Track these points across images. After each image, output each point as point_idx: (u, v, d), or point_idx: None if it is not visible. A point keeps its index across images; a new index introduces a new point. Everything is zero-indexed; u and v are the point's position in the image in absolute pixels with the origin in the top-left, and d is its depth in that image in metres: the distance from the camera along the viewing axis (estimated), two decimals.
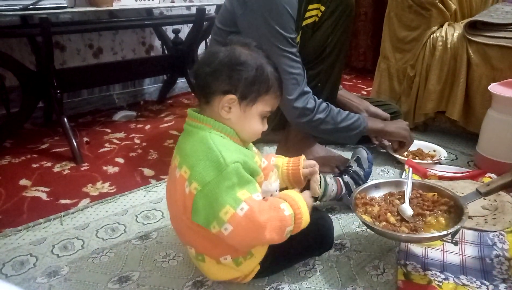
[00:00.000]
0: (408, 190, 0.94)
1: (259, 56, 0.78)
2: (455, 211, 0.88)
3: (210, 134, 0.75)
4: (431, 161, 1.39)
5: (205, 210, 0.72)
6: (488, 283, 0.84)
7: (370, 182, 1.01)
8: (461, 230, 1.01)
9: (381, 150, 1.52)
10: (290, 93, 1.14)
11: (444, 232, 0.81)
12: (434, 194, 0.94)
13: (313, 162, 0.93)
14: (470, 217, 1.06)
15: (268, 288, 0.85)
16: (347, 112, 1.25)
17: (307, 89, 1.17)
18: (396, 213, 0.90)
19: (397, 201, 0.93)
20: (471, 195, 0.89)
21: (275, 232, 0.72)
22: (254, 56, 0.77)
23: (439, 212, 0.89)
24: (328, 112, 1.20)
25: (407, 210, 0.89)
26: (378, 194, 0.98)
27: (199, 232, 0.78)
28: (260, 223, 0.70)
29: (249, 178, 0.73)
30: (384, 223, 0.87)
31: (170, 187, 0.84)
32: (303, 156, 0.94)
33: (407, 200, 0.92)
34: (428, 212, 0.89)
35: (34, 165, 1.48)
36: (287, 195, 0.78)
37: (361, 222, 1.07)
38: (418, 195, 0.95)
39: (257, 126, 0.80)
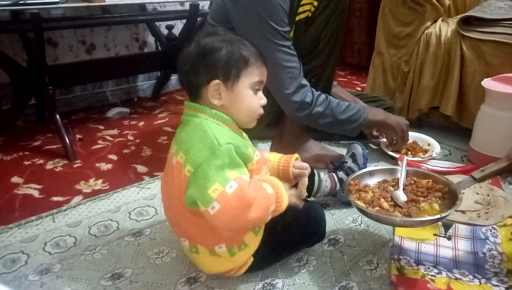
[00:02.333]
0: (402, 176, 0.94)
1: (226, 37, 0.79)
2: (450, 197, 0.88)
3: (206, 121, 0.77)
4: (424, 158, 1.39)
5: (194, 189, 0.72)
6: (480, 277, 0.85)
7: (364, 169, 1.01)
8: (454, 224, 1.01)
9: (374, 147, 1.53)
10: (287, 87, 1.13)
11: (438, 216, 0.81)
12: (429, 181, 0.94)
13: (305, 164, 0.92)
14: (463, 212, 1.07)
15: (262, 283, 0.85)
16: (347, 103, 1.23)
17: (305, 82, 1.16)
18: (389, 199, 0.90)
19: (391, 188, 0.93)
20: (465, 181, 0.89)
21: (260, 210, 0.73)
22: (220, 39, 0.78)
23: (433, 198, 0.89)
24: (326, 105, 1.18)
25: (401, 196, 0.89)
26: (372, 181, 0.97)
27: (193, 220, 0.78)
28: (249, 200, 0.71)
29: (239, 162, 0.74)
30: (377, 208, 0.87)
31: (166, 177, 0.84)
32: (296, 155, 0.93)
33: (401, 186, 0.92)
34: (422, 198, 0.88)
35: (26, 162, 1.47)
36: (265, 178, 0.82)
37: (355, 211, 1.08)
38: (412, 181, 0.94)
39: (252, 100, 0.80)
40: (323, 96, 1.19)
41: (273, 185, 0.78)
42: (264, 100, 0.83)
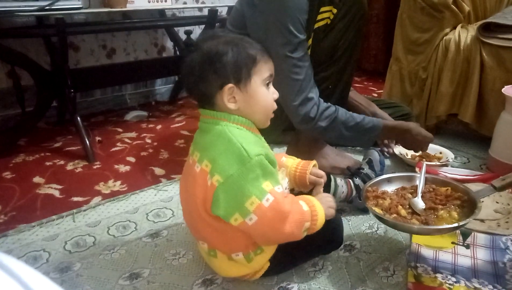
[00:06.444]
0: (421, 184, 0.93)
1: (227, 38, 0.78)
2: (469, 205, 0.87)
3: (227, 127, 0.76)
4: (441, 163, 1.38)
5: (227, 202, 0.73)
6: (500, 287, 0.83)
7: (383, 176, 1.01)
8: (473, 233, 1.00)
9: (387, 154, 1.51)
10: (293, 99, 1.12)
11: (456, 224, 0.80)
12: (448, 189, 0.93)
13: (322, 173, 0.92)
14: (482, 221, 1.05)
15: (277, 287, 0.85)
16: (361, 117, 1.20)
17: (311, 95, 1.14)
18: (407, 206, 0.89)
19: (409, 195, 0.92)
20: (485, 190, 0.88)
21: (295, 225, 0.74)
22: (222, 41, 0.77)
23: (452, 206, 0.88)
24: (331, 120, 1.16)
25: (419, 203, 0.88)
26: (390, 188, 0.97)
27: (214, 226, 0.78)
28: (284, 212, 0.73)
29: (272, 170, 0.75)
30: (394, 215, 0.86)
31: (186, 182, 0.83)
32: (314, 162, 0.93)
33: (419, 194, 0.91)
34: (440, 206, 0.87)
35: (48, 163, 1.51)
36: (302, 196, 0.82)
37: (372, 218, 1.07)
38: (431, 189, 0.94)
39: (266, 97, 0.80)
40: (331, 110, 1.16)
41: (309, 203, 0.79)
42: (276, 94, 0.83)
